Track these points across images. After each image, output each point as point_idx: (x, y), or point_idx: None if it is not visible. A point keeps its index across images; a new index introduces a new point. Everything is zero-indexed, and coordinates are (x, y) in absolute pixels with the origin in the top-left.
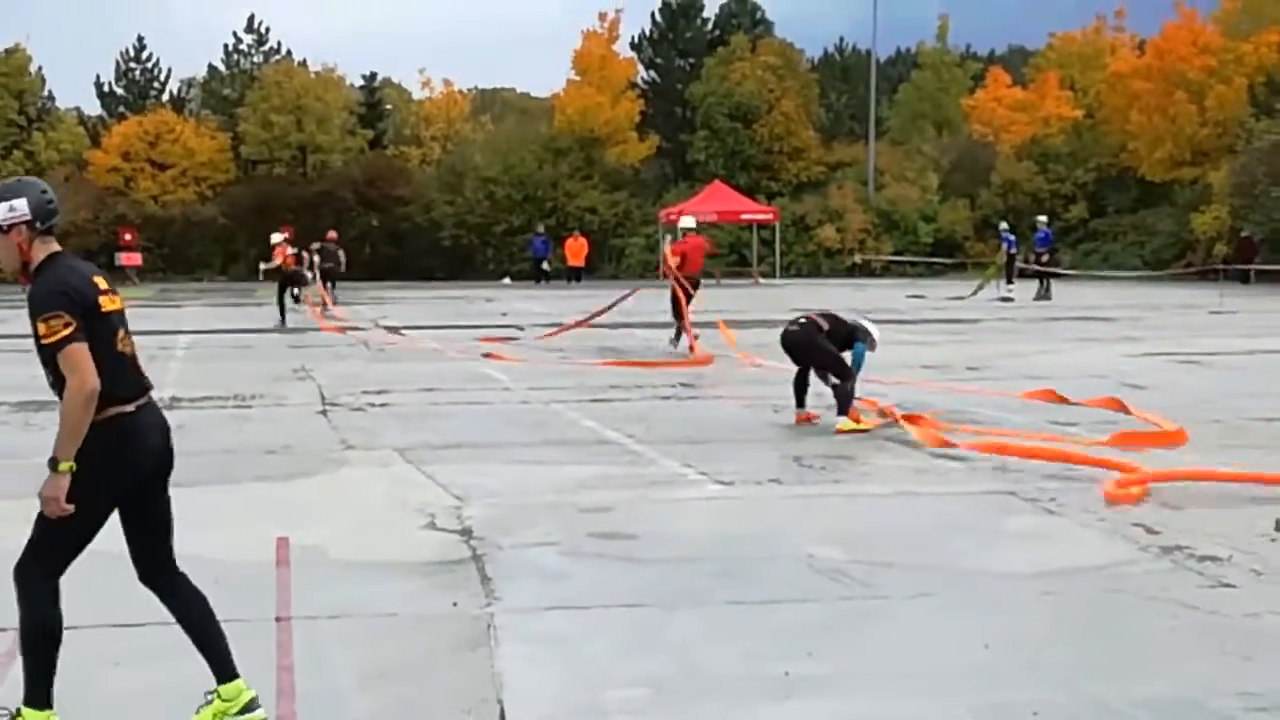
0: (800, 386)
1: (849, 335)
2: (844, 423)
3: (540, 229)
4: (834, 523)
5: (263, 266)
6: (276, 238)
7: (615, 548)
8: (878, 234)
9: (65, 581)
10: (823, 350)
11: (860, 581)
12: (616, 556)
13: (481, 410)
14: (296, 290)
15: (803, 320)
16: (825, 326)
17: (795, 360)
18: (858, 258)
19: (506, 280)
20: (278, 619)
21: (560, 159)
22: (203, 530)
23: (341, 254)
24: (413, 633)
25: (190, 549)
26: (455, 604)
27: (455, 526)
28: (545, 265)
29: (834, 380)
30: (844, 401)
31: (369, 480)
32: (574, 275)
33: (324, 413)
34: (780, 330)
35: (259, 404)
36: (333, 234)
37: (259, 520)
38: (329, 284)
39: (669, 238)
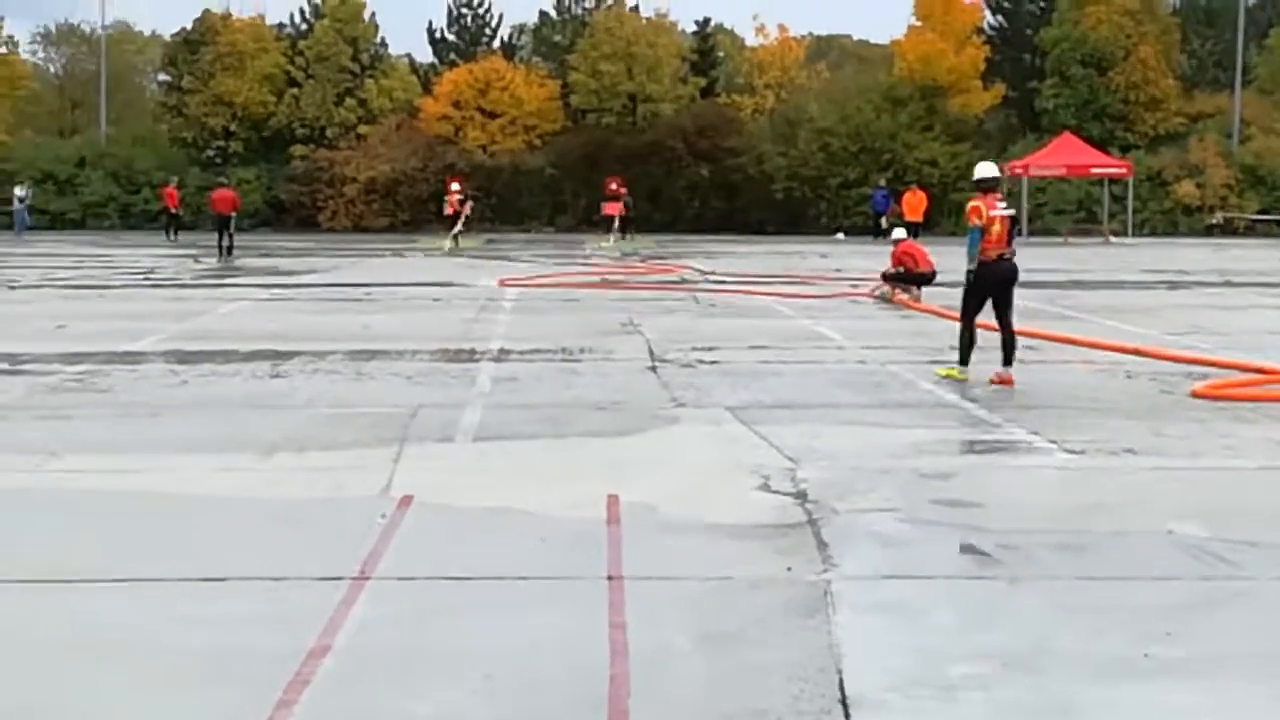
0: (974, 338)
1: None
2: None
3: (881, 182)
4: (1194, 497)
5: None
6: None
7: (957, 516)
8: (1241, 191)
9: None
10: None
11: (1223, 560)
12: (959, 525)
13: (815, 369)
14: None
15: (1009, 256)
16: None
17: (1001, 300)
18: (1218, 216)
19: (840, 235)
20: (609, 578)
21: (899, 109)
22: (532, 486)
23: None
24: (746, 597)
25: (519, 504)
26: (790, 569)
27: (789, 489)
28: (884, 221)
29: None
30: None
31: (700, 439)
32: (912, 231)
33: (653, 368)
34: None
35: (587, 358)
36: (616, 183)
37: (588, 477)
38: (625, 229)
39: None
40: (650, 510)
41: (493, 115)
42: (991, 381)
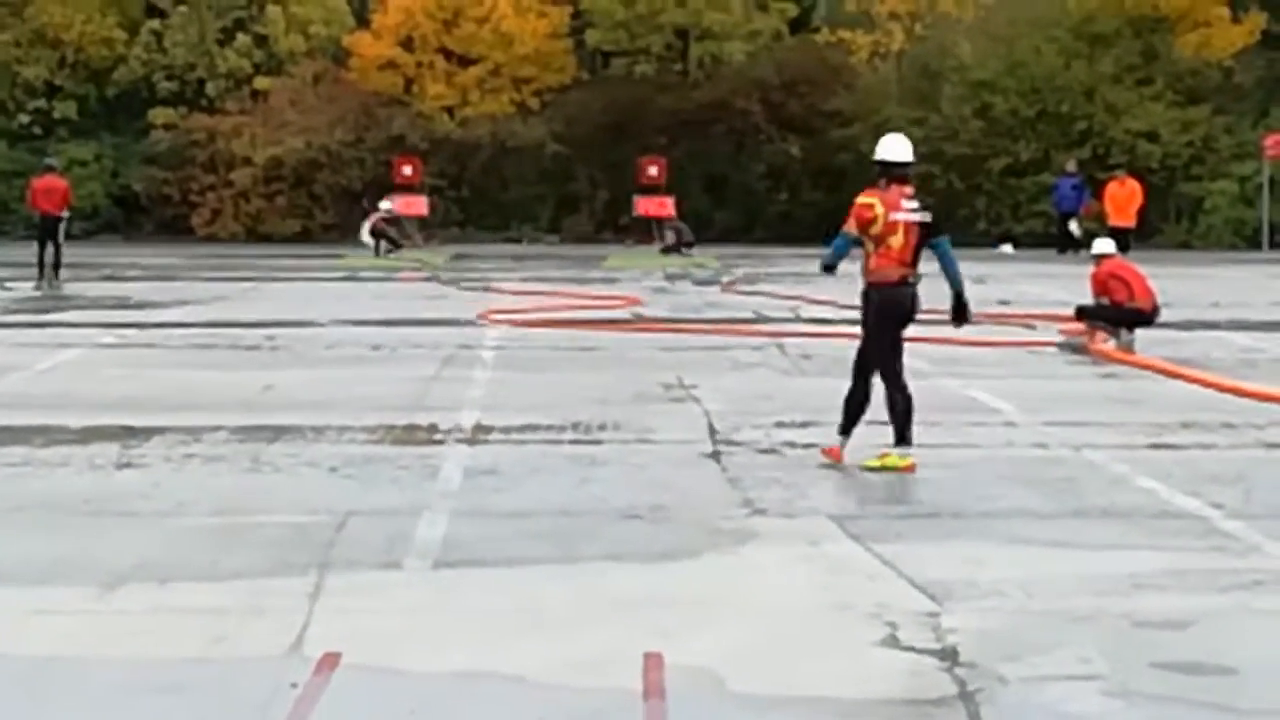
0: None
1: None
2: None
3: (1071, 166)
4: None
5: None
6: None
7: (1196, 688)
8: None
9: None
10: None
11: None
12: (1198, 702)
13: (971, 457)
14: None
15: (915, 280)
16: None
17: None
18: None
19: (1007, 247)
20: None
21: (1100, 52)
22: (526, 638)
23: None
24: None
25: (505, 667)
26: None
27: (931, 644)
28: (1074, 224)
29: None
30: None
31: (789, 566)
32: (1121, 242)
33: (714, 455)
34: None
35: (611, 439)
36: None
37: (614, 624)
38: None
39: None
40: (711, 678)
41: (465, 61)
42: (871, 468)
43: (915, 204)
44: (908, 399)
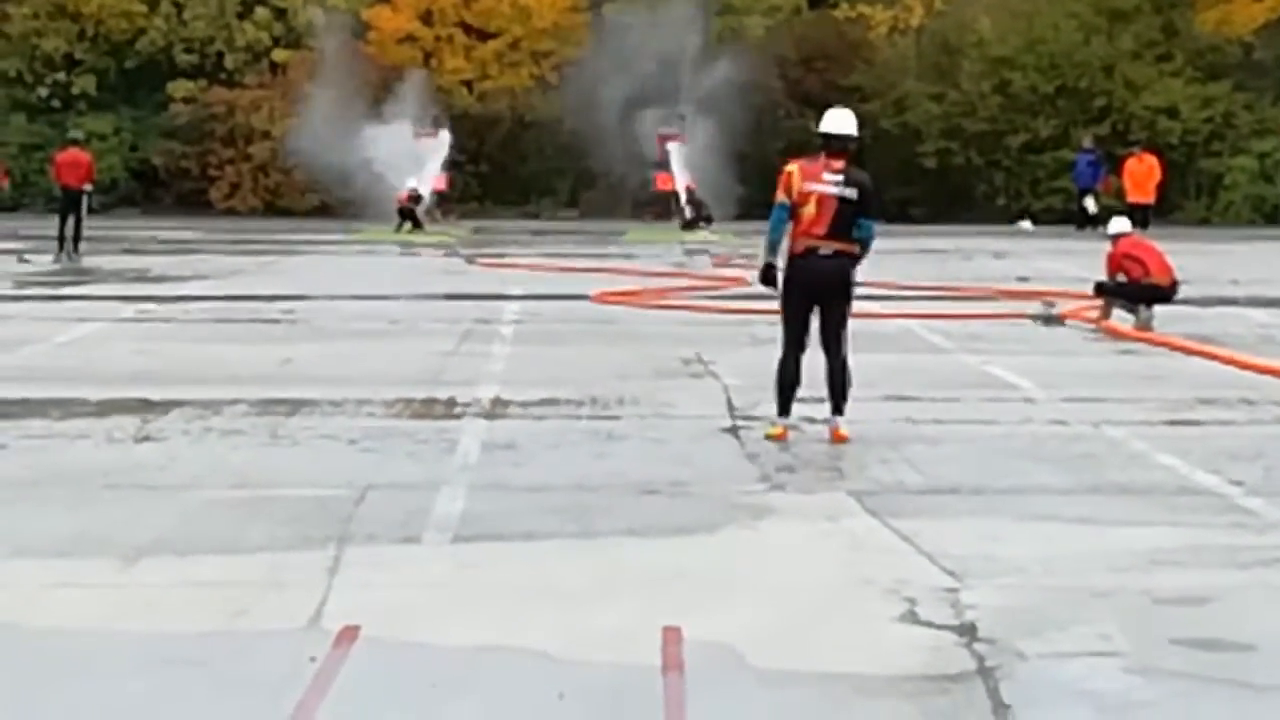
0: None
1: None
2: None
3: (1088, 142)
4: None
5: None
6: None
7: (1215, 664)
8: None
9: None
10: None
11: None
12: (1217, 678)
13: (990, 434)
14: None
15: (829, 253)
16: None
17: (823, 316)
18: None
19: (1026, 223)
20: None
21: (1119, 28)
22: (544, 612)
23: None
24: None
25: (523, 641)
26: None
27: (950, 620)
28: (1090, 201)
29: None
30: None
31: (808, 542)
32: (1138, 219)
33: (733, 430)
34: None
35: (630, 413)
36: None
37: (632, 598)
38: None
39: None
40: (730, 652)
41: (484, 35)
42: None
43: (840, 178)
44: (795, 371)
